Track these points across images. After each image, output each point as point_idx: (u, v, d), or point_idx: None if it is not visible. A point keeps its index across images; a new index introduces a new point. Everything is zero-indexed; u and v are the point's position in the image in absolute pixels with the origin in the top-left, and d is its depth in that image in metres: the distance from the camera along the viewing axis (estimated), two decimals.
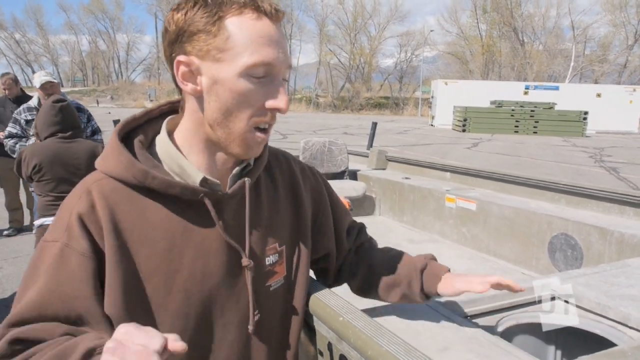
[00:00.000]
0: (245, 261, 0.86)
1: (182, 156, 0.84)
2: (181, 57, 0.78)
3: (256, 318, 0.89)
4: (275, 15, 0.78)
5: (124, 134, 0.86)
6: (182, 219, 0.82)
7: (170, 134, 0.87)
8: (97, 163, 0.84)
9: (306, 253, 1.01)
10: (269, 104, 0.79)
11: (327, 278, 1.14)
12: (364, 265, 1.12)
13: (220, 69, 0.77)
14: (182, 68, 0.78)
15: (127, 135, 0.86)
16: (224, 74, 0.76)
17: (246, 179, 0.88)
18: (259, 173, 0.93)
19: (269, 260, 0.93)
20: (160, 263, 0.79)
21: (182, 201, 0.82)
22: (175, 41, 0.79)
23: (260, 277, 0.91)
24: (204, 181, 0.83)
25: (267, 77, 0.78)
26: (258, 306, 0.90)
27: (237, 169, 0.89)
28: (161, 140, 0.86)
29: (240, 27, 0.76)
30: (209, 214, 0.83)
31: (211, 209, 0.82)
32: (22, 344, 0.72)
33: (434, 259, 1.10)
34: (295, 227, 1.00)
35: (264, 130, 0.82)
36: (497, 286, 1.01)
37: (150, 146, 0.87)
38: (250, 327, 0.89)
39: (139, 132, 0.87)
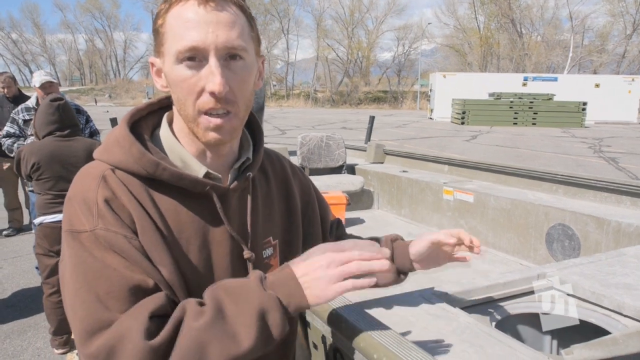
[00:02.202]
0: (247, 253, 0.88)
1: (185, 150, 0.85)
2: (151, 58, 0.84)
3: None
4: None
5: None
6: (188, 210, 0.83)
7: (170, 126, 0.88)
8: (100, 154, 0.82)
9: (297, 246, 1.02)
10: (206, 87, 0.77)
11: None
12: None
13: (165, 63, 0.80)
14: (153, 68, 0.84)
15: (131, 128, 0.87)
16: (166, 67, 0.79)
17: (249, 173, 0.90)
18: (257, 167, 0.95)
19: (265, 253, 0.95)
20: (170, 252, 0.79)
21: (188, 193, 0.83)
22: (154, 43, 0.82)
23: (258, 269, 0.91)
24: (207, 175, 0.84)
25: (197, 60, 0.76)
26: None
27: (238, 163, 0.90)
28: (164, 134, 0.87)
29: (173, 16, 0.77)
30: (213, 207, 0.84)
31: (217, 201, 0.84)
32: (158, 318, 0.71)
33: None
34: (287, 221, 1.02)
35: (220, 116, 0.79)
36: (457, 245, 1.06)
37: (151, 139, 0.88)
38: None
39: (141, 124, 0.88)
